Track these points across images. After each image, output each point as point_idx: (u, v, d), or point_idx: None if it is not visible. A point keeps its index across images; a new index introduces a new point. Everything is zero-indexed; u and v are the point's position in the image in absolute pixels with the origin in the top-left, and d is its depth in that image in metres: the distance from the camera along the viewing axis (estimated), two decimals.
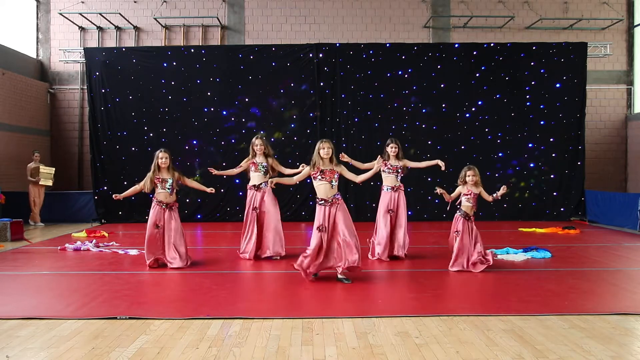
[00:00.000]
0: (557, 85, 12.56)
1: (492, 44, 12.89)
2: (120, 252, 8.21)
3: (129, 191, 7.27)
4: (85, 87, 13.38)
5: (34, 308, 5.02)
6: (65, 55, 13.47)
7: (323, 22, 14.28)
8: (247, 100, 12.53)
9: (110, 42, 14.22)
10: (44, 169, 11.98)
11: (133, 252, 8.08)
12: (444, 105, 12.59)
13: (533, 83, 12.53)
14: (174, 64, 12.51)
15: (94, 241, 9.04)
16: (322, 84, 12.51)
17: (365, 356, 3.80)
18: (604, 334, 4.24)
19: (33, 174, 11.81)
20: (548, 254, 7.63)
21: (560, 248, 8.36)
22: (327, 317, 4.70)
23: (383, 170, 7.47)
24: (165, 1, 14.17)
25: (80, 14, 13.71)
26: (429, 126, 12.59)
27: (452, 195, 6.78)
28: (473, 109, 12.58)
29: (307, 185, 11.38)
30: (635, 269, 6.92)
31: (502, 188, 6.73)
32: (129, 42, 14.16)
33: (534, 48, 12.65)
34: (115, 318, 4.69)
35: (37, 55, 14.35)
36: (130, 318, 4.68)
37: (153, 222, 7.00)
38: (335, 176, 6.18)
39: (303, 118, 12.56)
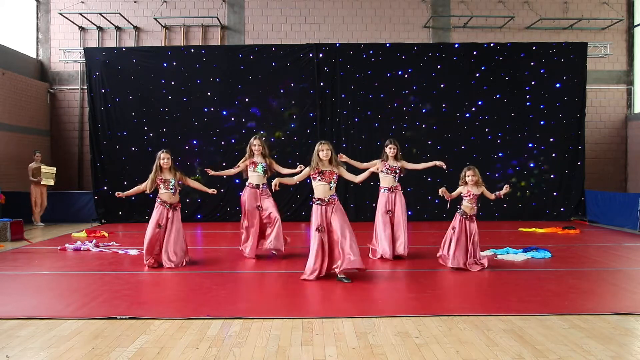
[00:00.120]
0: (557, 85, 12.56)
1: (492, 44, 12.89)
2: (120, 252, 8.21)
3: (132, 190, 7.30)
4: (85, 87, 13.38)
5: (34, 308, 5.02)
6: (65, 55, 13.47)
7: (323, 22, 14.28)
8: (247, 100, 12.53)
9: (110, 42, 14.22)
10: (45, 168, 11.99)
11: (133, 252, 8.08)
12: (444, 105, 12.59)
13: (533, 83, 12.53)
14: (174, 64, 12.51)
15: (94, 241, 9.04)
16: (322, 84, 12.51)
17: (365, 356, 3.80)
18: (604, 334, 4.24)
19: (35, 174, 11.82)
20: (548, 254, 7.63)
21: (560, 248, 8.36)
22: (327, 317, 4.70)
23: (381, 171, 7.51)
24: (165, 1, 14.17)
25: (80, 14, 13.71)
26: (429, 126, 12.59)
27: (452, 194, 6.83)
28: (473, 109, 12.58)
29: (307, 186, 11.37)
30: (635, 269, 6.92)
31: (505, 187, 6.84)
32: (129, 42, 14.16)
33: (534, 48, 12.65)
34: (115, 318, 4.69)
35: (37, 55, 14.35)
36: (130, 318, 4.68)
37: (156, 222, 7.01)
38: (335, 177, 6.25)
39: (303, 118, 12.56)
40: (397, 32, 14.29)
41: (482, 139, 12.55)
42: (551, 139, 12.54)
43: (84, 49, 13.03)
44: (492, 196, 6.86)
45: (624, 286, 5.87)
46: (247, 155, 7.69)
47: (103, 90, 12.48)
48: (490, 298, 5.49)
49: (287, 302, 5.35)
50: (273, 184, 6.20)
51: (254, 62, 12.47)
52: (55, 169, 12.33)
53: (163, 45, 13.92)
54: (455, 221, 6.84)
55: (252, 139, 7.72)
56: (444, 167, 7.49)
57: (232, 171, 7.87)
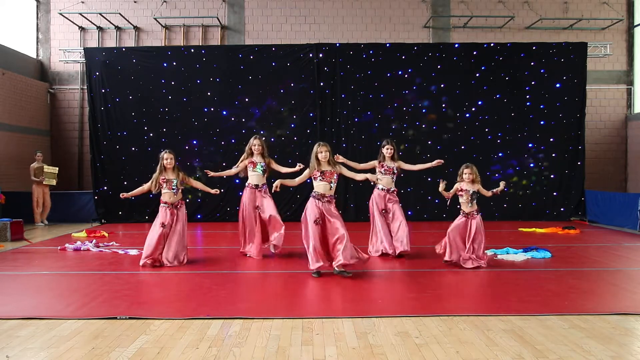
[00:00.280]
0: (557, 85, 12.56)
1: (492, 44, 12.89)
2: (120, 252, 8.20)
3: (136, 190, 7.31)
4: (85, 87, 13.38)
5: (34, 308, 5.02)
6: (65, 55, 13.47)
7: (323, 22, 14.28)
8: (247, 100, 12.53)
9: (110, 42, 14.22)
10: (48, 168, 12.01)
11: (133, 252, 8.07)
12: (444, 106, 12.60)
13: (533, 83, 12.53)
14: (174, 64, 12.51)
15: (94, 241, 9.03)
16: (322, 84, 12.51)
17: (365, 356, 3.80)
18: (604, 334, 4.24)
19: (37, 174, 11.83)
20: (548, 254, 7.63)
21: (560, 248, 8.36)
22: (327, 317, 4.70)
23: (379, 171, 7.58)
24: (165, 1, 14.17)
25: (80, 14, 13.71)
26: (429, 126, 12.60)
27: (450, 192, 6.96)
28: (473, 109, 12.58)
29: (307, 186, 11.29)
30: (635, 269, 6.92)
31: (501, 183, 7.05)
32: (129, 42, 14.16)
33: (534, 48, 12.65)
34: (115, 318, 4.69)
35: (37, 55, 14.35)
36: (130, 318, 4.68)
37: (160, 223, 7.05)
38: (335, 177, 6.39)
39: (303, 118, 12.56)
40: (397, 32, 14.29)
41: (482, 139, 12.55)
42: (551, 139, 12.54)
43: (84, 49, 13.03)
44: (488, 193, 6.99)
45: (624, 286, 5.87)
46: (245, 154, 7.71)
47: (103, 90, 12.48)
48: (490, 298, 5.49)
49: (287, 302, 5.35)
50: (274, 185, 6.27)
51: (254, 62, 12.47)
52: (57, 168, 12.35)
53: (163, 45, 13.93)
54: (457, 219, 6.97)
55: (251, 139, 7.74)
56: (442, 162, 7.62)
57: (232, 171, 7.88)
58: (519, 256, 7.56)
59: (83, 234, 9.99)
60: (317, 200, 6.34)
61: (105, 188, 12.38)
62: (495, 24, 14.24)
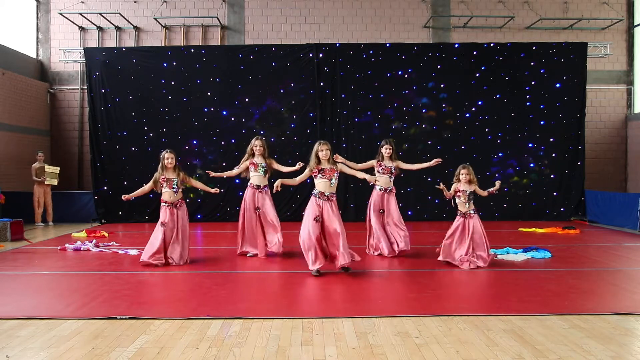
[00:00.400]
0: (557, 85, 12.56)
1: (492, 44, 12.89)
2: (120, 252, 8.20)
3: (137, 192, 7.35)
4: (85, 87, 13.39)
5: (34, 308, 5.02)
6: (65, 55, 13.47)
7: (323, 22, 14.28)
8: (247, 100, 12.53)
9: (110, 42, 14.22)
10: (49, 168, 12.01)
11: (133, 252, 8.07)
12: (444, 105, 12.60)
13: (533, 83, 12.53)
14: (174, 64, 12.51)
15: (94, 241, 9.04)
16: (322, 84, 12.51)
17: (365, 356, 3.80)
18: (604, 334, 4.23)
19: (38, 174, 11.83)
20: (548, 254, 7.63)
21: (560, 248, 8.36)
22: (327, 317, 4.70)
23: (377, 171, 7.66)
24: (165, 1, 14.17)
25: (80, 14, 13.71)
26: (429, 126, 12.60)
27: (449, 192, 7.03)
28: (473, 109, 12.59)
29: (307, 186, 11.36)
30: (635, 269, 6.92)
31: (497, 183, 7.17)
32: (129, 42, 14.16)
33: (534, 48, 12.65)
34: (115, 318, 4.69)
35: (37, 55, 14.35)
36: (130, 318, 4.68)
37: (160, 223, 7.13)
38: (335, 174, 6.50)
39: (303, 118, 12.56)
40: (397, 32, 14.29)
41: (482, 139, 12.55)
42: (551, 139, 12.54)
43: (84, 49, 13.03)
44: (484, 193, 7.08)
45: (624, 286, 5.87)
46: (247, 155, 7.75)
47: (103, 90, 12.48)
48: (490, 298, 5.49)
49: (287, 302, 5.35)
50: (275, 185, 6.35)
51: (254, 62, 12.47)
52: (58, 168, 12.35)
53: (163, 45, 13.93)
54: (455, 221, 7.06)
55: (253, 140, 7.78)
56: (441, 160, 7.71)
57: (234, 172, 7.92)
58: (519, 256, 7.56)
59: (83, 234, 9.99)
60: (317, 199, 6.45)
61: (105, 188, 12.39)
62: (495, 24, 14.24)
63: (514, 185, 12.56)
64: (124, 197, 7.25)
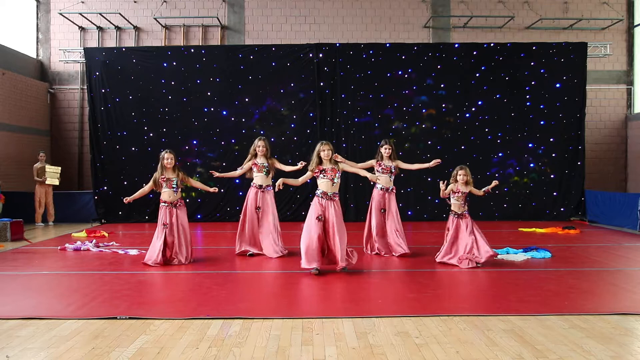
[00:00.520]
0: (557, 85, 12.56)
1: (492, 44, 12.89)
2: (120, 252, 8.20)
3: (137, 193, 7.39)
4: (85, 87, 13.39)
5: (34, 308, 5.02)
6: (65, 55, 13.47)
7: (323, 22, 14.29)
8: (247, 100, 12.53)
9: (110, 42, 14.22)
10: (50, 168, 12.01)
11: (133, 252, 8.07)
12: (444, 105, 12.60)
13: (533, 83, 12.53)
14: (174, 64, 12.51)
15: (94, 241, 9.03)
16: (322, 84, 12.51)
17: (365, 356, 3.80)
18: (604, 334, 4.23)
19: (39, 174, 11.83)
20: (548, 254, 7.63)
21: (560, 248, 8.36)
22: (327, 317, 4.70)
23: (377, 171, 7.70)
24: (165, 1, 14.17)
25: (80, 14, 13.71)
26: (429, 126, 12.60)
27: (445, 191, 7.08)
28: (473, 109, 12.58)
29: (307, 186, 11.35)
30: (635, 269, 6.92)
31: (493, 182, 7.19)
32: (129, 42, 14.16)
33: (534, 48, 12.65)
34: (115, 318, 4.69)
35: (37, 55, 14.35)
36: (130, 318, 4.68)
37: (162, 223, 7.16)
38: (337, 174, 6.56)
39: (303, 118, 12.56)
40: (397, 32, 14.29)
41: (482, 139, 12.55)
42: (551, 139, 12.54)
43: (84, 49, 13.03)
44: (480, 193, 7.14)
45: (624, 286, 5.87)
46: (250, 156, 7.82)
47: (103, 90, 12.48)
48: (490, 298, 5.49)
49: (287, 302, 5.35)
50: (277, 184, 6.43)
51: (254, 62, 12.47)
52: (59, 168, 12.34)
53: (163, 45, 13.93)
54: (449, 222, 7.13)
55: (256, 140, 7.86)
56: (440, 162, 7.75)
57: (237, 173, 7.99)
58: (519, 256, 7.56)
59: (83, 234, 9.99)
60: (320, 198, 6.52)
61: (105, 188, 12.39)
62: (495, 24, 14.24)
63: (514, 185, 12.56)
64: (126, 200, 7.29)
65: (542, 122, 12.53)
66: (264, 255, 7.66)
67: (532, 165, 12.62)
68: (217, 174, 7.94)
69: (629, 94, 14.49)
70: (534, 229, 10.57)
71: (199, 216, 12.44)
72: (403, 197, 11.74)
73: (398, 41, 13.78)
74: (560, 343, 4.03)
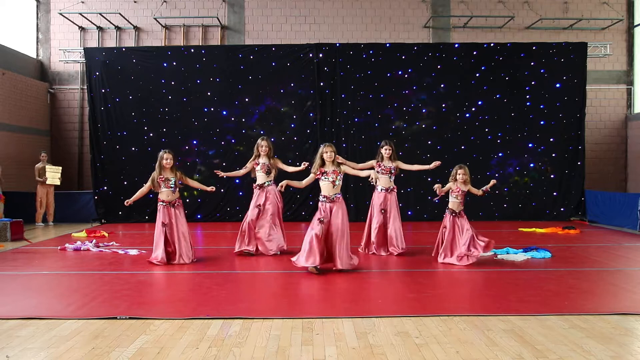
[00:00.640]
0: (557, 85, 12.55)
1: (492, 44, 12.89)
2: (120, 252, 8.20)
3: (137, 194, 7.41)
4: (85, 87, 13.38)
5: (34, 308, 5.02)
6: (65, 55, 13.46)
7: (323, 22, 14.28)
8: (247, 100, 12.53)
9: (110, 42, 14.22)
10: (50, 168, 12.01)
11: (133, 252, 8.07)
12: (444, 105, 12.60)
13: (533, 83, 12.52)
14: (174, 64, 12.51)
15: (94, 241, 9.03)
16: (322, 84, 12.51)
17: (365, 356, 3.80)
18: (604, 334, 4.23)
19: (41, 174, 11.83)
20: (548, 254, 7.62)
21: (560, 248, 8.36)
22: (327, 317, 4.70)
23: (377, 171, 7.71)
24: (165, 1, 14.17)
25: (80, 14, 13.71)
26: (429, 126, 12.60)
27: (443, 189, 7.11)
28: (473, 109, 12.58)
29: (307, 186, 11.36)
30: (635, 269, 6.92)
31: (491, 182, 7.19)
32: (129, 42, 14.16)
33: (534, 48, 12.65)
34: (115, 318, 4.69)
35: (37, 55, 14.35)
36: (130, 318, 4.68)
37: (161, 222, 7.19)
38: (339, 176, 6.57)
39: (303, 118, 12.56)
40: (397, 32, 14.29)
41: (482, 139, 12.55)
42: (551, 139, 12.54)
43: (84, 49, 13.03)
44: (479, 192, 7.18)
45: (624, 286, 5.87)
46: (253, 156, 7.89)
47: (103, 90, 12.48)
48: (490, 298, 5.48)
49: (287, 302, 5.35)
50: (280, 185, 6.45)
51: (254, 62, 12.47)
52: (60, 168, 12.33)
53: (163, 45, 13.93)
54: (445, 220, 7.16)
55: (259, 140, 7.92)
56: (440, 164, 7.83)
57: (241, 172, 8.06)
58: (519, 256, 7.56)
59: (83, 234, 9.99)
60: (322, 203, 6.55)
61: (105, 188, 12.39)
62: (495, 24, 14.24)
63: (514, 185, 12.56)
64: (127, 202, 7.31)
65: (542, 122, 12.53)
66: (262, 254, 7.68)
67: (532, 165, 12.61)
68: (222, 174, 7.99)
69: (629, 94, 14.48)
70: (534, 229, 10.57)
71: (199, 216, 12.44)
72: (403, 197, 11.73)
73: (398, 41, 13.77)
74: (560, 343, 4.03)
